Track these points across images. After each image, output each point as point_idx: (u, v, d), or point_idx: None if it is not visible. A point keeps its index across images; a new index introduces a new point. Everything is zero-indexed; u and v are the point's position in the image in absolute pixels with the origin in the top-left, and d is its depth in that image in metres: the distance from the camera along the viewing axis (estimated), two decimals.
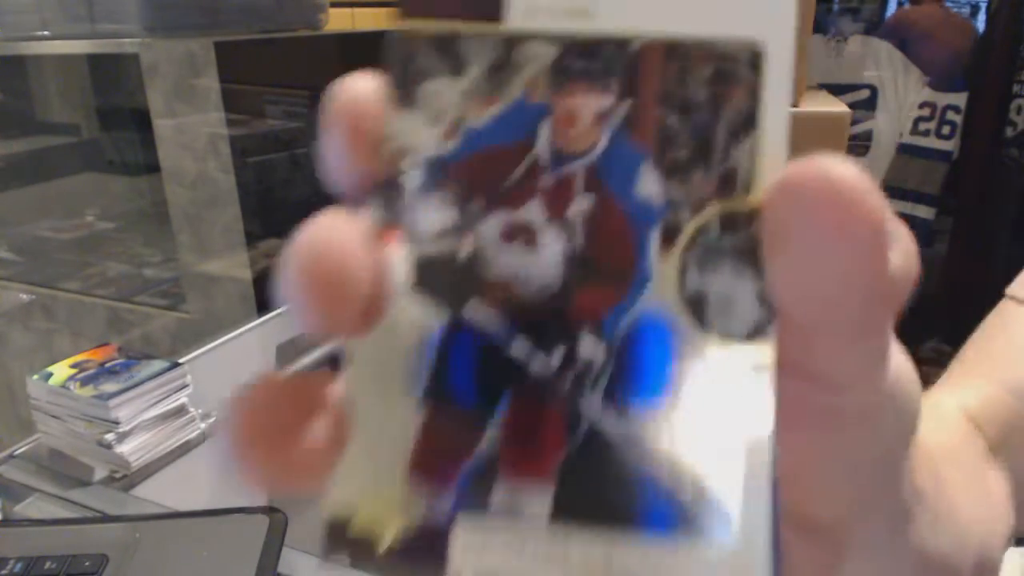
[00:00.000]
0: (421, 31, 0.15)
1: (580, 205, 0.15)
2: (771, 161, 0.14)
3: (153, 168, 1.20)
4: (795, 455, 0.17)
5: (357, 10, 1.94)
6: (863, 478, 0.19)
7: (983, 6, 1.87)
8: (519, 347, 0.15)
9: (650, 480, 0.14)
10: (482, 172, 0.15)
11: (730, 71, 0.15)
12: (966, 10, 1.89)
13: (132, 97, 1.21)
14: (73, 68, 1.41)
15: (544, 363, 0.15)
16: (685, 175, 0.15)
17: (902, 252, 0.14)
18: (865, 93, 1.84)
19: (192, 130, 1.14)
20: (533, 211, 0.15)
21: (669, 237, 0.15)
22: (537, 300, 0.15)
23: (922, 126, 1.81)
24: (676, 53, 0.15)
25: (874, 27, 1.87)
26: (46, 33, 1.26)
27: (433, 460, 0.14)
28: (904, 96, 1.82)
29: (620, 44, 0.15)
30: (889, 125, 1.85)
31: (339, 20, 1.58)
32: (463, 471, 0.14)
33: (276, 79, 1.26)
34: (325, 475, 0.14)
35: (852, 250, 0.13)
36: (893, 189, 1.87)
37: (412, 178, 0.15)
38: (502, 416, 0.15)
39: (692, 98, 0.15)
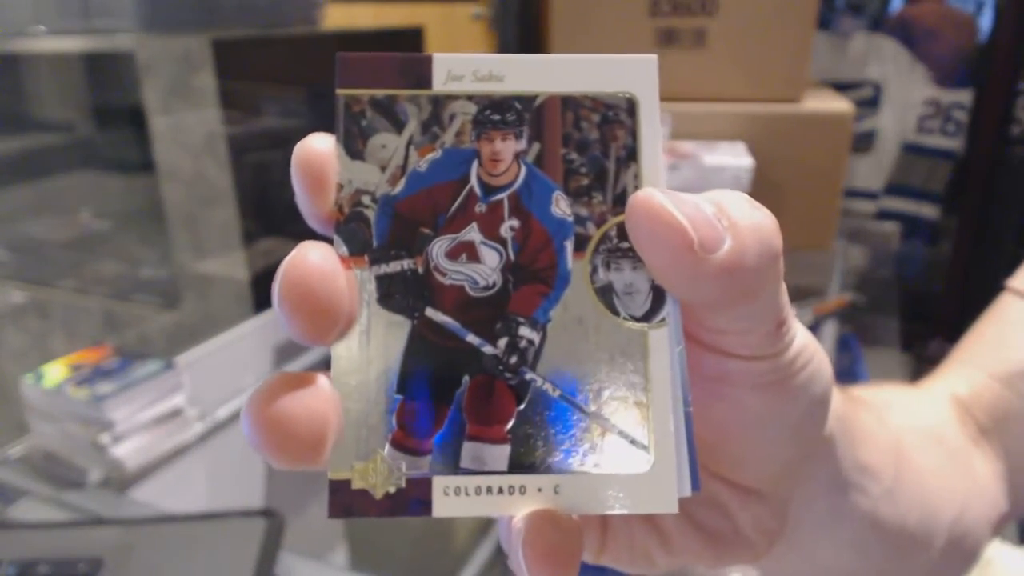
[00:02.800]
0: (362, 95, 0.19)
1: (509, 225, 0.19)
2: (650, 183, 0.20)
3: (149, 166, 1.19)
4: (719, 422, 0.23)
5: (355, 7, 1.94)
6: (786, 442, 0.24)
7: (989, 3, 1.87)
8: (472, 339, 0.19)
9: (583, 428, 0.19)
10: (428, 205, 0.19)
11: (614, 117, 0.20)
12: (971, 7, 1.88)
13: (128, 95, 1.20)
14: (68, 65, 1.41)
15: (493, 349, 0.19)
16: (587, 197, 0.20)
17: (748, 238, 0.18)
18: (869, 91, 1.83)
19: (188, 128, 1.13)
20: (472, 233, 0.19)
21: (580, 245, 0.19)
22: (482, 301, 0.19)
23: (927, 124, 1.80)
24: (571, 105, 0.20)
25: (878, 24, 1.86)
26: (41, 28, 1.25)
27: (411, 432, 0.19)
28: (908, 94, 1.82)
29: (527, 99, 0.20)
30: (893, 123, 1.85)
31: (337, 17, 1.58)
32: (436, 440, 0.19)
33: (274, 76, 1.26)
34: (325, 446, 0.18)
35: (663, 247, 0.18)
36: (897, 188, 1.87)
37: (370, 214, 0.19)
38: (464, 394, 0.19)
39: (586, 139, 0.20)
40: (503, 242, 0.20)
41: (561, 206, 0.20)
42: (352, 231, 0.19)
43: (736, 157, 1.14)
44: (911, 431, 0.34)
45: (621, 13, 1.29)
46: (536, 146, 0.20)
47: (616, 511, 0.19)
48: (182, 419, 0.75)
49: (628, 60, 0.20)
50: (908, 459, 0.32)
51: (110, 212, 1.49)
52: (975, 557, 0.36)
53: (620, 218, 0.19)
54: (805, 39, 1.23)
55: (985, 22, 1.87)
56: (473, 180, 0.19)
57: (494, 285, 0.19)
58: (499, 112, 0.20)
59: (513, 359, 0.19)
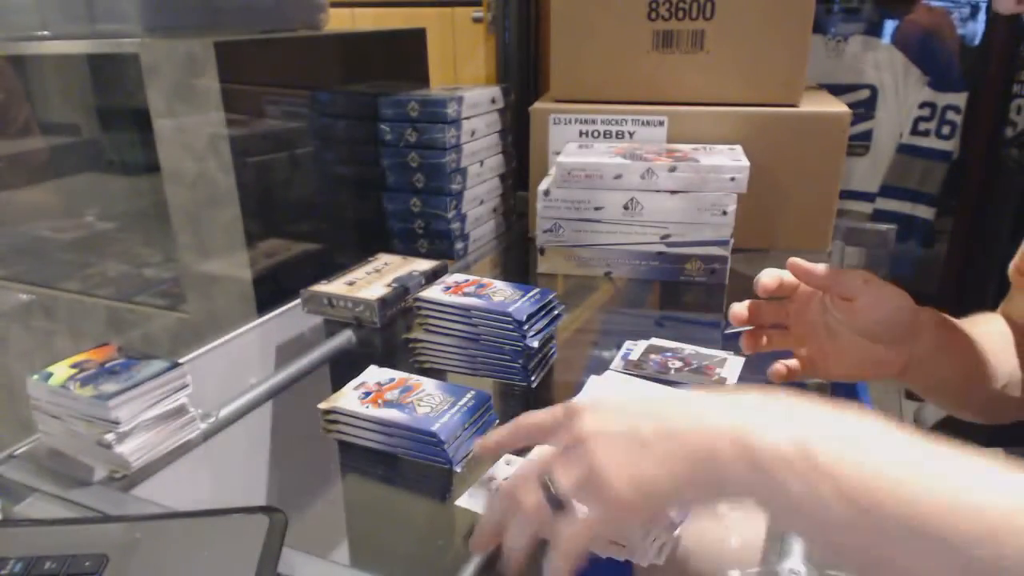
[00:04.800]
0: None
1: None
2: None
3: (153, 168, 1.20)
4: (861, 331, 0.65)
5: (357, 10, 1.95)
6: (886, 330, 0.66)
7: (983, 6, 1.87)
8: None
9: None
10: None
11: None
12: (966, 11, 1.89)
13: (132, 97, 1.21)
14: (73, 69, 1.42)
15: None
16: None
17: None
18: (865, 93, 1.84)
19: (192, 130, 1.14)
20: None
21: None
22: None
23: (922, 126, 1.81)
24: None
25: (874, 28, 1.87)
26: (46, 33, 1.26)
27: None
28: (904, 96, 1.82)
29: None
30: (889, 125, 1.85)
31: (340, 20, 1.59)
32: None
33: (276, 79, 1.27)
34: None
35: None
36: (893, 189, 1.87)
37: None
38: None
39: None
40: None
41: None
42: None
43: (733, 159, 1.15)
44: (986, 322, 0.67)
45: (620, 16, 1.30)
46: None
47: None
48: (186, 418, 0.76)
49: None
50: (979, 334, 0.66)
51: (115, 213, 1.50)
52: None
53: None
54: (802, 42, 1.24)
55: (979, 25, 1.88)
56: None
57: None
58: None
59: None
